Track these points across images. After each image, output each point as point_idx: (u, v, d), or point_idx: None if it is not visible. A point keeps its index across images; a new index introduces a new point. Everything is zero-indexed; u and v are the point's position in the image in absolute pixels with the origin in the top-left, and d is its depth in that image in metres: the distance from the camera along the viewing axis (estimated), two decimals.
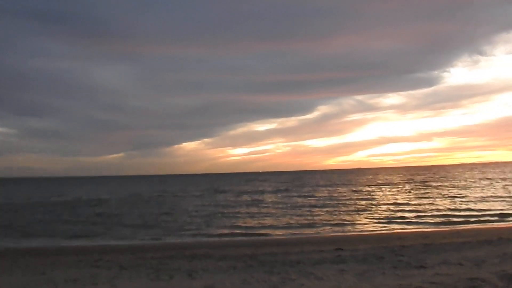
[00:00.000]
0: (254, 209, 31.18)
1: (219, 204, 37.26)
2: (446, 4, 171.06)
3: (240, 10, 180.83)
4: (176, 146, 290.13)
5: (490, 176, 73.62)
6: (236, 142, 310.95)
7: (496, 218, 22.32)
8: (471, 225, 20.87)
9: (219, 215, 28.18)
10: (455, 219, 22.65)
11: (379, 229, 20.92)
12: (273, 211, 29.74)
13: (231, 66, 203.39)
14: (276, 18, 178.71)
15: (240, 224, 23.74)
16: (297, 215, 26.66)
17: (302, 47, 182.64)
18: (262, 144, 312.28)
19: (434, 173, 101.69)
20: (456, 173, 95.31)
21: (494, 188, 42.90)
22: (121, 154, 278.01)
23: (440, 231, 18.90)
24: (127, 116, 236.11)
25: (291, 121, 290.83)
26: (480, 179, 64.55)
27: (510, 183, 49.87)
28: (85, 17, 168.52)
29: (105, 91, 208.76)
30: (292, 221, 23.89)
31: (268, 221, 24.49)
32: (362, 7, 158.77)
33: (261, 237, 19.41)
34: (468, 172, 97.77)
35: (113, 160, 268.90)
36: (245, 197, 45.49)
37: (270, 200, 40.31)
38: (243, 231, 21.11)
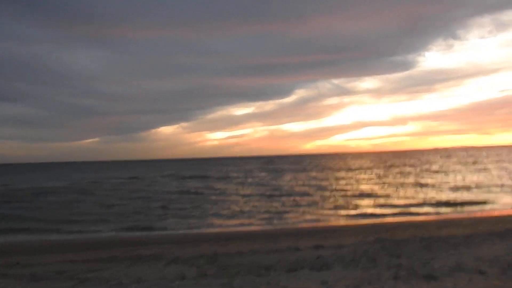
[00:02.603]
0: (219, 197, 28.84)
1: (183, 190, 34.69)
2: None
3: None
4: (153, 130, 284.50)
5: (464, 160, 73.80)
6: (214, 126, 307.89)
7: (480, 205, 20.83)
8: (462, 213, 19.29)
9: (181, 203, 25.68)
10: (441, 207, 21.08)
11: (362, 218, 19.03)
12: (241, 199, 27.39)
13: (208, 49, 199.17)
14: (255, 0, 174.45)
15: (205, 214, 21.39)
16: (268, 204, 24.44)
17: (279, 29, 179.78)
18: (240, 128, 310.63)
19: (410, 158, 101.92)
20: (432, 158, 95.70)
21: (472, 174, 42.03)
22: (97, 139, 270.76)
23: (432, 220, 17.11)
24: (103, 101, 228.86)
25: (269, 105, 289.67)
26: (456, 164, 64.38)
27: (485, 169, 49.38)
28: (63, 1, 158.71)
29: (80, 75, 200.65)
30: (263, 211, 21.68)
31: (236, 211, 22.18)
32: None
33: (228, 230, 17.10)
34: (443, 157, 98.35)
35: (88, 145, 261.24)
36: (213, 184, 43.09)
37: (238, 187, 37.94)
38: (208, 223, 18.75)
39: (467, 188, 28.41)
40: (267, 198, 27.60)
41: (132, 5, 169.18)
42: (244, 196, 29.34)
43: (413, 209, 20.60)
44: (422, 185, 31.56)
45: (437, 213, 19.22)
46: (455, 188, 28.48)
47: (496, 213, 17.90)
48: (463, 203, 21.47)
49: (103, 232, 17.14)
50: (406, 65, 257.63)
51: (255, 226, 17.94)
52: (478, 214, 18.02)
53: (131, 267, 9.13)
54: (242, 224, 18.34)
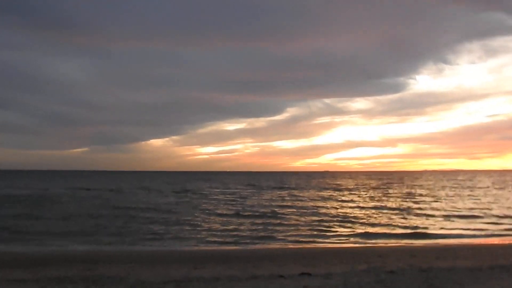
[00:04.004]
0: (194, 215, 27.01)
1: (155, 207, 31.85)
2: (413, 12, 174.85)
3: (209, 7, 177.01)
4: (143, 142, 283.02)
5: (452, 184, 73.47)
6: (205, 140, 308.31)
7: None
8: (452, 239, 18.36)
9: (150, 219, 24.02)
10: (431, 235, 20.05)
11: (350, 241, 17.92)
12: (219, 218, 25.80)
13: (200, 63, 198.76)
14: (245, 16, 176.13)
15: (175, 231, 19.87)
16: (248, 223, 22.86)
17: (272, 46, 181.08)
18: (231, 144, 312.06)
19: (399, 179, 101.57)
20: (421, 181, 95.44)
21: (461, 200, 41.23)
22: (86, 149, 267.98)
23: (426, 246, 16.10)
24: (92, 111, 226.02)
25: (260, 122, 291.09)
26: (445, 188, 63.93)
27: (474, 195, 48.68)
28: (46, 8, 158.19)
29: (69, 84, 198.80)
30: (243, 230, 20.35)
31: (211, 229, 20.71)
32: (332, 10, 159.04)
33: (204, 249, 15.79)
34: (431, 180, 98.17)
35: (78, 154, 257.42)
36: (192, 200, 41.52)
37: (217, 204, 36.19)
38: (181, 241, 17.35)
39: (457, 216, 26.96)
40: (246, 216, 26.07)
41: (116, 15, 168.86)
42: (222, 214, 27.43)
43: (403, 234, 19.61)
44: (411, 210, 30.25)
45: (431, 240, 18.16)
46: (446, 216, 26.94)
47: (495, 243, 16.94)
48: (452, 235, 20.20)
49: (60, 246, 15.63)
50: (397, 88, 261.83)
51: (234, 246, 16.66)
52: (476, 243, 17.07)
53: None
54: (219, 243, 17.03)
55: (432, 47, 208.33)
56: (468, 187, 63.01)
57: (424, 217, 25.85)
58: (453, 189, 57.95)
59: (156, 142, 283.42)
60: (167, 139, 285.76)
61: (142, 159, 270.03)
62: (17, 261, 11.98)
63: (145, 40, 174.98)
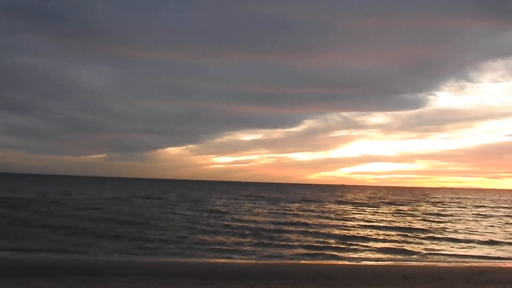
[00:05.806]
0: (200, 225, 25.95)
1: (155, 217, 30.18)
2: (436, 29, 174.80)
3: (228, 20, 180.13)
4: (159, 150, 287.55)
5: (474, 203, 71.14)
6: (221, 150, 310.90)
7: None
8: (480, 262, 17.01)
9: (149, 229, 22.93)
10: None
11: (369, 259, 16.73)
12: (226, 228, 24.63)
13: (217, 75, 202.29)
14: (264, 30, 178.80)
15: (176, 243, 18.83)
16: (254, 237, 21.59)
17: (290, 60, 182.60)
18: (247, 154, 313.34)
19: (416, 196, 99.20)
20: (438, 198, 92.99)
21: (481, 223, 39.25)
22: (103, 155, 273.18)
23: (452, 267, 14.78)
24: (110, 118, 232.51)
25: (277, 133, 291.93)
26: (463, 207, 61.73)
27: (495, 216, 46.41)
28: (72, 17, 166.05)
29: (89, 92, 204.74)
30: (245, 244, 19.24)
31: (215, 241, 19.61)
32: (352, 26, 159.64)
33: (210, 262, 14.79)
34: (449, 198, 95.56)
35: (94, 160, 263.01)
36: (200, 213, 40.48)
37: (220, 217, 34.57)
38: (180, 253, 16.42)
39: (479, 237, 25.04)
40: (254, 229, 24.69)
41: (139, 25, 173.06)
42: (228, 225, 26.05)
43: (423, 254, 18.31)
44: (429, 229, 28.42)
45: (458, 260, 16.87)
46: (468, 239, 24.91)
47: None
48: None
49: (51, 254, 14.74)
50: (417, 103, 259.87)
51: (242, 260, 15.65)
52: (507, 266, 15.74)
53: None
54: (224, 257, 16.07)
55: (454, 65, 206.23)
56: (487, 207, 60.47)
57: (444, 238, 24.06)
58: (472, 208, 55.67)
59: (173, 150, 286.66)
60: (183, 147, 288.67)
61: (158, 168, 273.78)
62: (7, 270, 11.16)
63: (167, 51, 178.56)
